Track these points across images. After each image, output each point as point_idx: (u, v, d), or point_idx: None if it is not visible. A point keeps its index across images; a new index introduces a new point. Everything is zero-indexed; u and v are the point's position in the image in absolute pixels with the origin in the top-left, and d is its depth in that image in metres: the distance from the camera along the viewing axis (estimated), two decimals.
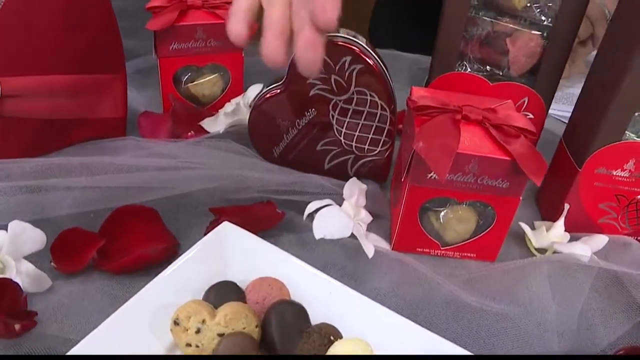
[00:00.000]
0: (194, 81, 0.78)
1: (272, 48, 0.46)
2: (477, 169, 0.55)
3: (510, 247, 0.65)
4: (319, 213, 0.59)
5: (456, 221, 0.60)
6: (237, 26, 0.47)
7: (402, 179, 0.58)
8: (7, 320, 0.49)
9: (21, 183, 0.61)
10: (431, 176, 0.56)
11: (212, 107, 0.79)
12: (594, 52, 1.00)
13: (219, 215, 0.60)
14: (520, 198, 0.57)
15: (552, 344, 0.54)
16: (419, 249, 0.62)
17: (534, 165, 0.55)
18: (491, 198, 0.58)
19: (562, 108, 0.91)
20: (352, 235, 0.59)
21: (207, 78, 0.78)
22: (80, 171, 0.63)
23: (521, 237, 0.66)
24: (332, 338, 0.48)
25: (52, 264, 0.56)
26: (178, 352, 0.49)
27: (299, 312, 0.50)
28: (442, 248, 0.62)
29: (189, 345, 0.47)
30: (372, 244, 0.58)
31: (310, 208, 0.61)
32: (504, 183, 0.56)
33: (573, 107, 0.91)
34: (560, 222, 0.64)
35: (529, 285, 0.58)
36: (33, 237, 0.54)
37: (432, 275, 0.58)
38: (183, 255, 0.54)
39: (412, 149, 0.55)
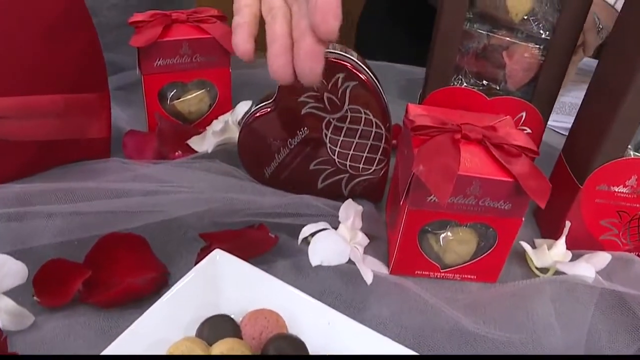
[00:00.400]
0: (179, 98, 0.75)
1: (279, 64, 0.45)
2: (479, 190, 0.53)
3: (511, 267, 0.63)
4: (314, 238, 0.57)
5: (456, 243, 0.58)
6: (242, 41, 0.47)
7: (401, 202, 0.56)
8: None
9: (0, 211, 0.58)
10: (431, 199, 0.54)
11: (200, 124, 0.76)
12: (585, 59, 1.00)
13: (209, 241, 0.57)
14: (523, 219, 0.55)
15: None
16: (418, 272, 0.60)
17: (537, 187, 0.53)
18: (493, 220, 0.56)
19: (555, 118, 0.90)
20: (349, 260, 0.57)
21: (194, 94, 0.75)
22: (63, 197, 0.60)
23: (522, 256, 0.64)
24: None
25: (34, 297, 0.53)
26: None
27: (297, 347, 0.47)
28: (441, 270, 0.59)
29: None
30: (370, 270, 0.56)
31: (305, 232, 0.58)
32: (506, 204, 0.54)
33: (566, 116, 0.89)
34: (562, 240, 0.62)
35: (533, 309, 0.56)
36: (14, 271, 0.51)
37: (434, 301, 0.55)
38: (174, 287, 0.52)
39: (410, 172, 0.53)
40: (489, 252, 0.58)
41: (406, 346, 0.48)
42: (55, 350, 0.49)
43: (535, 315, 0.56)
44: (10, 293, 0.51)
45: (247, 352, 0.45)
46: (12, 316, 0.51)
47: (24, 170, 0.65)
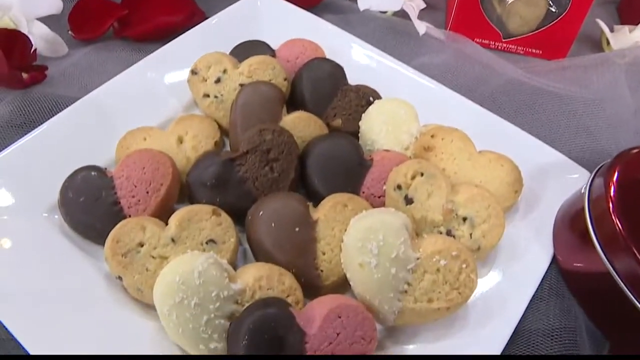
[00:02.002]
0: None
1: None
2: None
3: (583, 51, 0.56)
4: None
5: (523, 5, 0.51)
6: None
7: None
8: (15, 71, 0.45)
9: None
10: None
11: None
12: None
13: None
14: None
15: (623, 140, 0.46)
16: (477, 39, 0.54)
17: None
18: None
19: None
20: (402, 16, 0.52)
21: None
22: None
23: (596, 42, 0.57)
24: (371, 99, 0.42)
25: (69, 32, 0.51)
26: (195, 109, 0.43)
27: (336, 69, 0.43)
28: (503, 40, 0.54)
29: (206, 96, 0.42)
30: (424, 24, 0.51)
31: None
32: None
33: None
34: None
35: (603, 77, 0.50)
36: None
37: (492, 57, 0.50)
38: (210, 18, 0.49)
39: None
40: (559, 18, 0.51)
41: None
42: (85, 74, 0.48)
43: (604, 82, 0.50)
44: (46, 23, 0.49)
45: (278, 67, 0.42)
46: (47, 42, 0.49)
47: None
